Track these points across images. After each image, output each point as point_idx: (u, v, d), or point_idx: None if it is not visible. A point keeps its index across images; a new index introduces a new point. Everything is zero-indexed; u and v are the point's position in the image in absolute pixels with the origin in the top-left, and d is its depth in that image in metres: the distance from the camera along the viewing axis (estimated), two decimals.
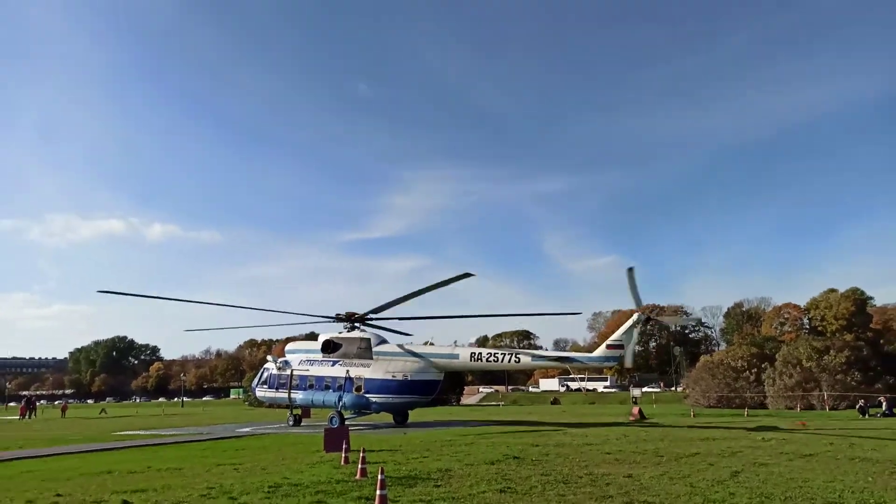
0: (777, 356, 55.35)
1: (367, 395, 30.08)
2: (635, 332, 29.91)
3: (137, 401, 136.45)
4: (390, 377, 30.18)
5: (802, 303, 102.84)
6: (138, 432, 29.93)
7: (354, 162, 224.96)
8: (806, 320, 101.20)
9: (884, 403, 37.03)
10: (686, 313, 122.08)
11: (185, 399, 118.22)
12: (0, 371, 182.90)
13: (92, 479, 13.17)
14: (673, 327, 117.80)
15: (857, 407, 38.07)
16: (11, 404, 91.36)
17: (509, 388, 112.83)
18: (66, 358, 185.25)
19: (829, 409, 46.61)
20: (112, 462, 16.50)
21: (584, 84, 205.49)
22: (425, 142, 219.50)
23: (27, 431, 33.15)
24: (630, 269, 27.62)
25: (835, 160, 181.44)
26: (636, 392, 55.64)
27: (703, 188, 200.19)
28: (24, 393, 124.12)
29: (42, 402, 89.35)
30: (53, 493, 11.12)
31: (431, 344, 32.82)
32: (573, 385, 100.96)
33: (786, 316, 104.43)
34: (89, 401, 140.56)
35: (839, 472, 12.76)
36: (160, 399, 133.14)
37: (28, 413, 54.97)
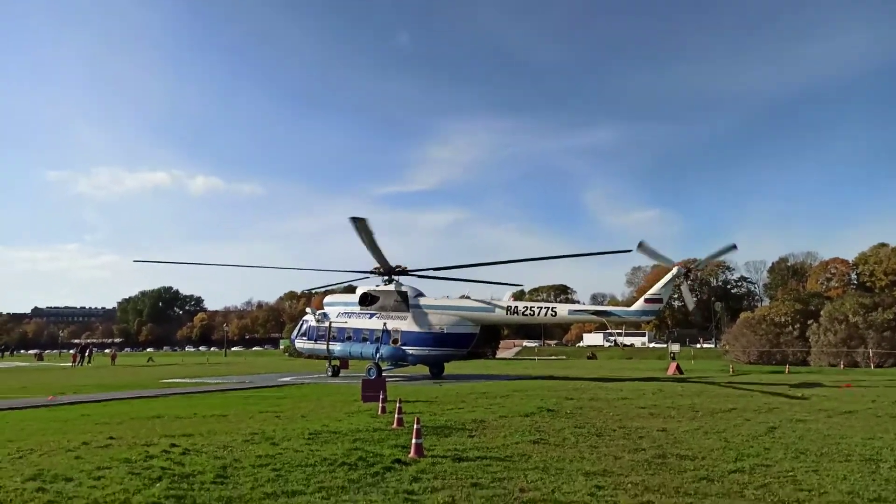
0: (822, 312, 54.15)
1: (404, 348, 30.61)
2: (684, 288, 29.55)
3: (184, 350, 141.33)
4: (427, 330, 30.60)
5: (850, 258, 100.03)
6: (184, 380, 31.13)
7: (394, 115, 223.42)
8: (854, 276, 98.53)
9: None
10: (728, 268, 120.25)
11: (227, 349, 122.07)
12: (53, 320, 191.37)
13: (142, 424, 13.80)
14: (714, 282, 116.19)
15: None
16: (69, 351, 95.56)
17: (546, 342, 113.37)
18: (114, 308, 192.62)
19: (875, 367, 45.68)
20: (160, 408, 17.24)
21: (630, 35, 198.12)
22: (466, 94, 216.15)
23: (81, 378, 34.75)
24: (640, 244, 27.33)
25: (888, 109, 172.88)
26: (674, 347, 55.42)
27: (751, 142, 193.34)
28: (76, 341, 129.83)
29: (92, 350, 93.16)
30: (107, 436, 11.70)
31: (468, 297, 33.01)
32: (618, 340, 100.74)
33: (833, 271, 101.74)
34: (136, 349, 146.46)
35: (879, 429, 12.57)
36: (201, 348, 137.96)
37: (81, 360, 57.49)
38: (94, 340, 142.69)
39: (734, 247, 29.36)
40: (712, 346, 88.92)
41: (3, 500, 7.06)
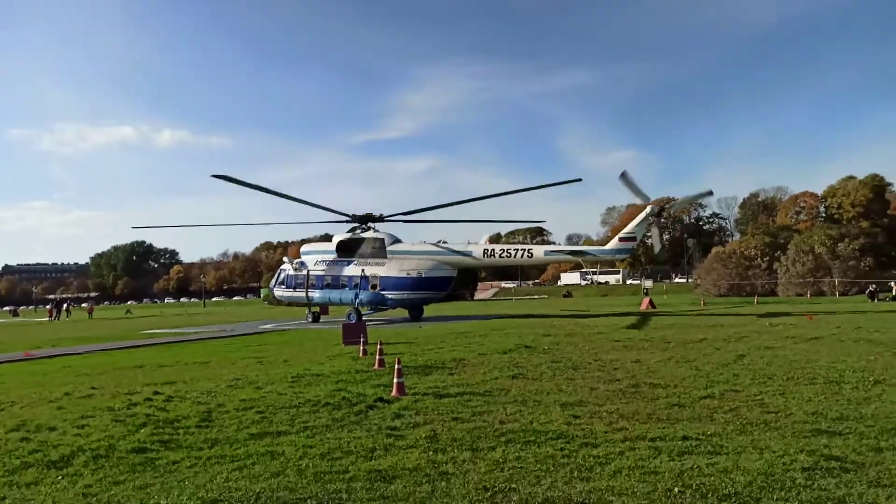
0: (790, 245, 55.46)
1: (383, 292, 30.81)
2: (654, 229, 30.04)
3: (163, 302, 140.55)
4: (405, 275, 30.77)
5: (821, 191, 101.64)
6: (164, 331, 31.08)
7: (367, 62, 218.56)
8: (822, 209, 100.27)
9: (894, 288, 37.36)
10: (701, 205, 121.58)
11: (207, 300, 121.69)
12: (26, 277, 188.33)
13: (124, 373, 13.84)
14: (687, 219, 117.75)
15: (867, 292, 38.49)
16: (45, 307, 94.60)
17: (523, 283, 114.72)
18: (87, 263, 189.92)
19: (840, 296, 47.17)
20: (141, 358, 17.24)
21: None
22: (439, 38, 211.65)
23: (58, 332, 34.52)
24: (623, 174, 27.86)
25: (865, 44, 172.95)
26: (647, 283, 56.52)
27: (725, 79, 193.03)
28: (51, 297, 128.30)
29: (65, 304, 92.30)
30: (88, 386, 11.73)
31: (445, 242, 33.12)
32: (594, 278, 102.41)
33: (802, 205, 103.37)
34: (113, 303, 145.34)
35: (843, 353, 13.10)
36: (181, 300, 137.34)
37: (57, 315, 57.02)
38: (70, 295, 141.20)
39: (710, 192, 29.69)
40: (684, 281, 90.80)
41: None
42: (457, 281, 31.80)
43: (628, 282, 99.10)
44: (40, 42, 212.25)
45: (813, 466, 5.54)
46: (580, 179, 31.33)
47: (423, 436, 7.17)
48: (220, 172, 25.63)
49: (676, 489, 5.09)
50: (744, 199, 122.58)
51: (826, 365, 11.48)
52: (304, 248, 35.95)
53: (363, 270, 31.13)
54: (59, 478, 6.02)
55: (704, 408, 8.27)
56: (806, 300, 43.13)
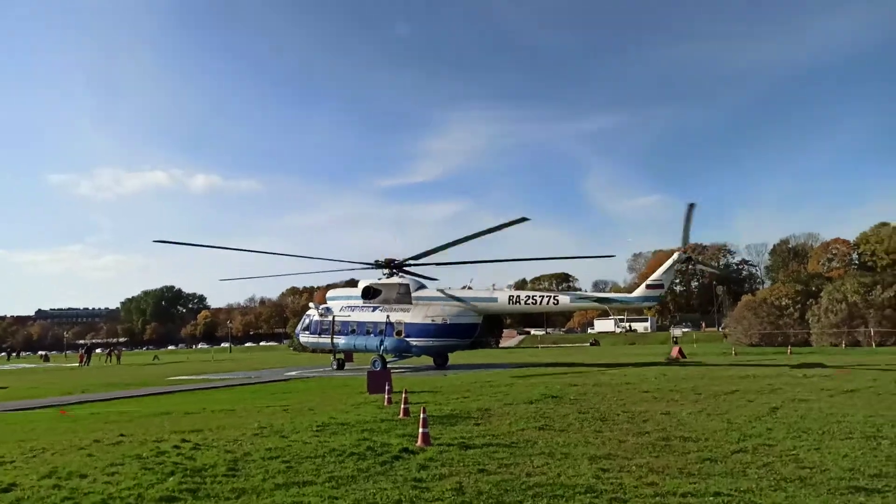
0: (822, 293, 54.32)
1: (408, 339, 30.77)
2: (674, 269, 29.80)
3: (190, 347, 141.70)
4: (430, 321, 30.75)
5: (852, 238, 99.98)
6: (191, 377, 31.31)
7: (392, 107, 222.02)
8: (855, 256, 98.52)
9: None
10: (729, 251, 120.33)
11: (233, 345, 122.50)
12: (57, 321, 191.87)
13: (151, 421, 13.96)
14: (713, 270, 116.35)
15: None
16: (75, 352, 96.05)
17: (551, 330, 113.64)
18: (118, 308, 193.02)
19: (876, 346, 45.86)
20: (168, 405, 17.40)
21: (630, 16, 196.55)
22: (463, 83, 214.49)
23: (88, 377, 34.95)
24: (691, 206, 27.24)
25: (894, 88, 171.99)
26: (676, 332, 55.69)
27: (756, 123, 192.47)
28: (81, 342, 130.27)
29: (98, 350, 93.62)
30: (117, 434, 11.84)
31: (470, 288, 33.16)
32: (628, 326, 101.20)
33: (834, 252, 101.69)
34: (141, 348, 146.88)
35: (881, 406, 12.72)
36: (201, 345, 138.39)
37: (87, 360, 57.81)
38: (99, 340, 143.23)
39: (692, 205, 27.78)
40: (715, 329, 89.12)
41: (21, 498, 7.20)
42: (482, 327, 31.67)
43: (675, 330, 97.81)
44: (79, 86, 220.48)
45: None
46: (613, 256, 31.14)
47: (449, 488, 7.10)
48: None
49: None
50: (774, 246, 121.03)
51: (863, 419, 11.15)
52: (329, 294, 36.23)
53: (388, 316, 31.21)
54: None
55: (737, 462, 8.07)
56: (840, 350, 41.99)
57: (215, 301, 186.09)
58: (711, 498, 6.38)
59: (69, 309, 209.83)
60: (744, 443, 9.32)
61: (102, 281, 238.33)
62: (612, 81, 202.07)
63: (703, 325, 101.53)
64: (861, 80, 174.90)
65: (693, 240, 74.98)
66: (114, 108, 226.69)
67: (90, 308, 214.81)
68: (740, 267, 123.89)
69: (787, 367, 24.67)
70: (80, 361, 57.91)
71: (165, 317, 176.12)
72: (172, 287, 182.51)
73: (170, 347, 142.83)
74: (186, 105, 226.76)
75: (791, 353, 38.31)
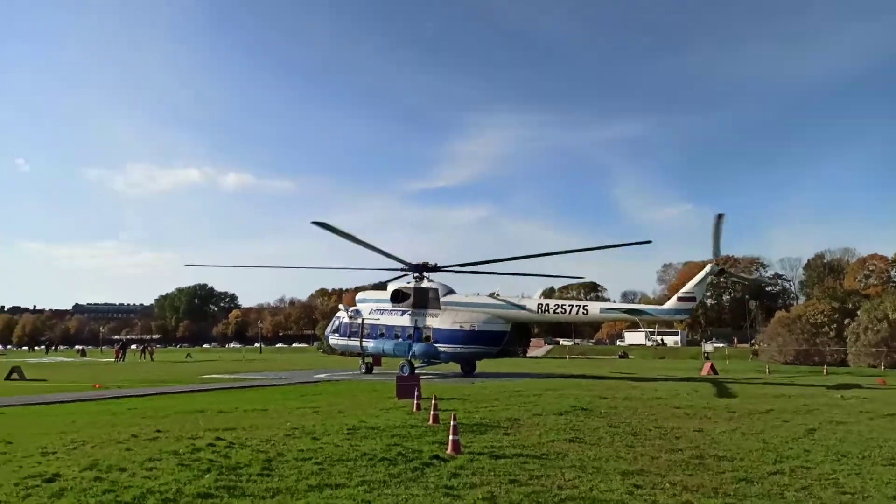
0: (860, 311, 52.92)
1: (437, 345, 30.79)
2: (707, 282, 29.35)
3: (223, 346, 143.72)
4: (458, 327, 30.73)
5: (890, 254, 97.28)
6: (223, 376, 31.81)
7: (421, 109, 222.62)
8: (894, 273, 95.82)
9: None
10: (762, 265, 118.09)
11: (262, 345, 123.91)
12: (93, 316, 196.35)
13: (186, 418, 14.23)
14: (747, 283, 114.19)
15: None
16: (111, 347, 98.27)
17: (576, 340, 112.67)
18: (152, 304, 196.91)
19: None
20: (202, 403, 17.72)
21: (663, 21, 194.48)
22: (492, 86, 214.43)
23: (123, 373, 35.74)
24: (719, 216, 26.68)
25: None
26: (708, 347, 54.75)
27: (790, 132, 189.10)
28: (116, 337, 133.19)
29: (133, 346, 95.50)
30: (154, 429, 12.11)
31: (498, 295, 33.09)
32: (660, 339, 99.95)
33: (871, 268, 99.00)
34: (174, 345, 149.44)
35: None
36: (233, 344, 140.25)
37: (123, 356, 59.09)
38: (133, 336, 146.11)
39: (721, 215, 27.45)
40: (747, 345, 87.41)
41: (65, 488, 7.41)
42: (511, 336, 31.54)
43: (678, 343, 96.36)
44: (113, 80, 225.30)
45: None
46: (650, 241, 30.66)
47: (481, 497, 7.12)
48: (317, 218, 26.77)
49: None
50: (808, 261, 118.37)
51: None
52: (359, 296, 36.42)
53: (416, 321, 31.30)
54: None
55: (774, 484, 7.93)
56: (879, 372, 40.85)
57: (246, 300, 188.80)
58: None
59: (105, 304, 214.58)
60: (780, 464, 9.15)
61: (136, 277, 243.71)
62: (641, 87, 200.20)
63: (735, 340, 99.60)
64: (891, 94, 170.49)
65: (724, 252, 73.79)
66: (146, 103, 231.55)
67: (125, 304, 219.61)
68: (773, 280, 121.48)
69: (824, 388, 24.10)
70: (116, 357, 59.20)
71: (198, 315, 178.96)
72: (205, 285, 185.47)
73: (204, 346, 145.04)
74: (218, 103, 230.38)
75: (827, 372, 37.40)
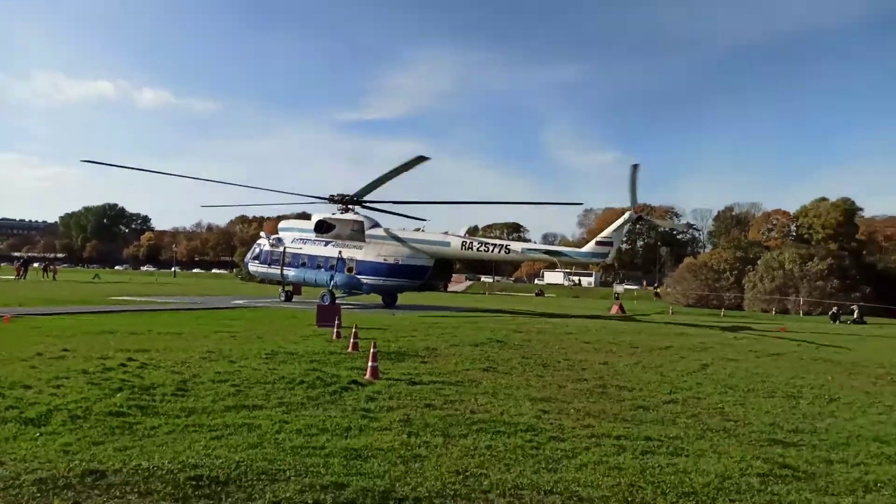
0: (759, 261, 56.65)
1: (359, 277, 30.85)
2: (625, 229, 30.47)
3: (135, 269, 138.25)
4: (381, 260, 30.83)
5: (793, 210, 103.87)
6: (134, 298, 30.78)
7: (358, 38, 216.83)
8: (793, 228, 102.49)
9: (856, 311, 38.43)
10: (676, 214, 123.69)
11: (177, 270, 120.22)
12: None
13: (94, 338, 13.77)
14: (662, 228, 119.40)
15: (830, 314, 39.54)
16: (11, 264, 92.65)
17: (496, 278, 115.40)
18: (56, 222, 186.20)
19: (803, 315, 48.37)
20: (111, 324, 17.14)
21: None
22: (433, 20, 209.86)
23: (25, 291, 33.96)
24: (635, 166, 27.55)
25: (847, 64, 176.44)
26: (619, 288, 57.34)
27: (711, 87, 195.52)
28: (16, 254, 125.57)
29: (35, 264, 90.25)
30: (60, 348, 11.69)
31: (423, 231, 33.25)
32: (577, 280, 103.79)
33: (774, 222, 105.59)
34: (81, 266, 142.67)
35: (802, 370, 13.58)
36: (147, 267, 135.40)
37: (24, 273, 55.95)
38: (36, 254, 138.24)
39: (636, 165, 28.48)
40: (654, 288, 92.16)
41: None
42: (433, 271, 31.95)
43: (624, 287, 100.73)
44: None
45: (767, 473, 5.86)
46: (581, 203, 31.37)
47: (397, 419, 7.36)
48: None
49: (638, 484, 5.36)
50: (718, 213, 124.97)
51: (785, 380, 11.92)
52: (281, 225, 35.77)
53: (340, 252, 31.14)
54: (38, 434, 6.09)
55: (668, 412, 8.59)
56: (770, 317, 44.19)
57: (160, 223, 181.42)
58: (643, 442, 6.82)
59: (4, 219, 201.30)
60: (675, 394, 9.88)
61: (40, 192, 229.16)
62: (576, 32, 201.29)
63: (645, 283, 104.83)
64: (810, 57, 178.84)
65: (642, 200, 76.60)
66: (54, 6, 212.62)
67: (27, 220, 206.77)
68: (684, 228, 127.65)
69: (719, 329, 25.90)
70: (17, 274, 55.99)
71: (107, 235, 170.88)
72: (115, 205, 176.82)
73: (116, 268, 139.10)
74: (138, 12, 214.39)
75: (724, 315, 40.11)
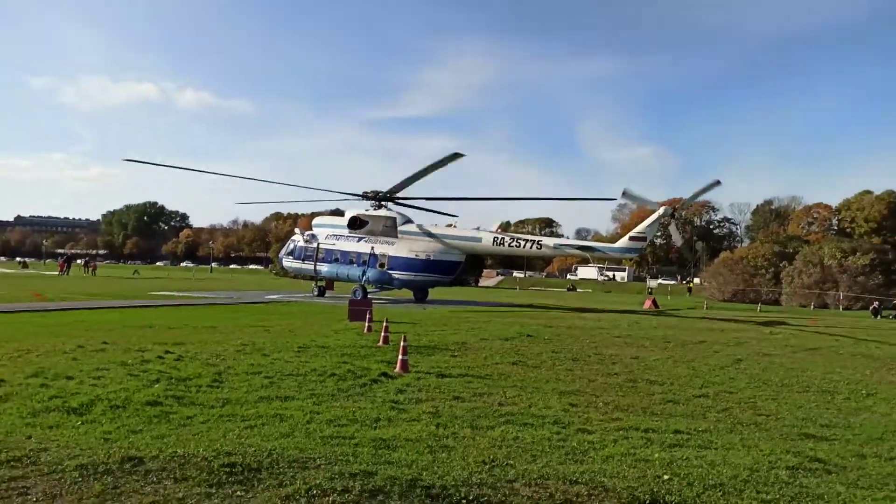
0: (798, 255, 55.38)
1: (391, 272, 31.10)
2: (672, 225, 30.50)
3: (173, 265, 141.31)
4: (413, 256, 31.03)
5: (835, 203, 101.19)
6: (172, 293, 31.52)
7: (392, 34, 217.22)
8: (835, 221, 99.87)
9: None
10: (713, 208, 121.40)
11: (214, 266, 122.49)
12: (36, 229, 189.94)
13: (133, 331, 14.19)
14: (698, 221, 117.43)
15: (871, 308, 38.53)
16: (55, 261, 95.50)
17: (528, 273, 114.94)
18: (99, 220, 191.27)
19: (843, 309, 47.19)
20: (150, 318, 17.62)
21: None
22: (467, 15, 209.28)
23: (68, 286, 35.02)
24: (716, 182, 29.41)
25: (887, 55, 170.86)
26: (652, 283, 56.74)
27: (754, 81, 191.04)
28: (60, 251, 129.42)
29: (78, 261, 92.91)
30: (100, 341, 12.08)
31: (454, 226, 33.33)
32: (611, 275, 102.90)
33: (815, 216, 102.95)
34: (121, 262, 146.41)
35: (839, 365, 13.30)
36: (186, 263, 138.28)
37: (67, 269, 57.67)
38: (79, 251, 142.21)
39: (718, 182, 29.61)
40: (690, 283, 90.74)
41: (10, 393, 7.43)
42: (464, 266, 32.04)
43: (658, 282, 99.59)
44: None
45: (797, 466, 5.80)
46: (615, 199, 31.67)
47: (426, 411, 7.45)
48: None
49: (665, 476, 5.35)
50: (757, 206, 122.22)
51: (821, 375, 11.70)
52: (315, 221, 36.22)
53: (373, 248, 31.42)
54: (80, 423, 6.34)
55: (698, 406, 8.51)
56: (808, 312, 43.21)
57: (198, 221, 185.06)
58: (671, 435, 6.79)
59: (50, 217, 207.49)
60: (706, 389, 9.78)
61: (85, 192, 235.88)
62: (613, 27, 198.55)
63: (680, 278, 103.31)
64: (849, 48, 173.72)
65: (678, 194, 75.56)
66: (99, 9, 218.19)
67: (71, 218, 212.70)
68: (721, 224, 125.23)
69: (755, 324, 25.44)
70: (61, 270, 57.76)
71: (147, 232, 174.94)
72: (156, 203, 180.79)
73: (157, 264, 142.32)
74: (179, 16, 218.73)
75: (760, 310, 39.36)
